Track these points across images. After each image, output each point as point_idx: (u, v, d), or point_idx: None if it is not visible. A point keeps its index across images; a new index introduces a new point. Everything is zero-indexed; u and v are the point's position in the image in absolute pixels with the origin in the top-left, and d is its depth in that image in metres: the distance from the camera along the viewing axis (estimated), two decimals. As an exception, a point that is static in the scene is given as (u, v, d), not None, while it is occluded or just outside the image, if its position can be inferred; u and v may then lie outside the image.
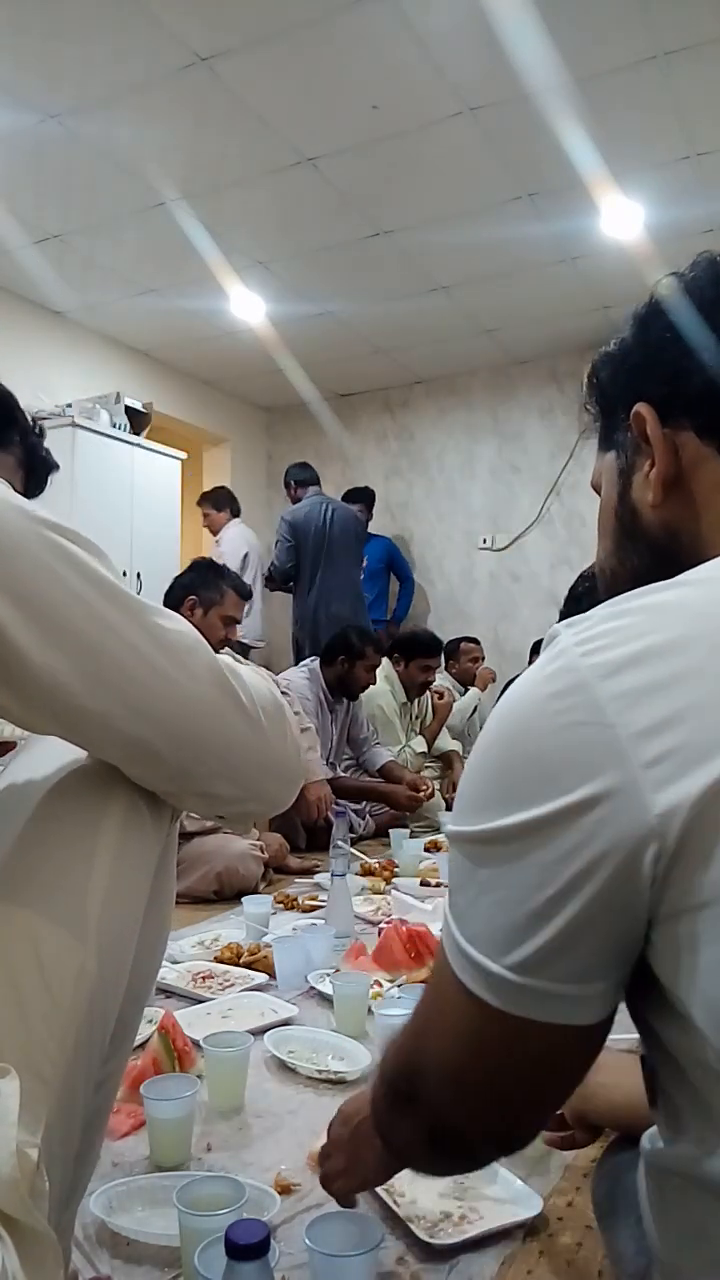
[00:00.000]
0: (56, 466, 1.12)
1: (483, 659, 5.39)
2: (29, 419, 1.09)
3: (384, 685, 4.29)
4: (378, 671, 4.03)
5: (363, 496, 5.86)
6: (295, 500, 5.30)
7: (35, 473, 1.10)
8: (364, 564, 5.48)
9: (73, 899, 0.76)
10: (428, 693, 4.57)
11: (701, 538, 0.65)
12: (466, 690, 5.22)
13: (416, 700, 4.54)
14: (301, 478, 5.36)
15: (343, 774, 3.90)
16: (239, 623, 3.23)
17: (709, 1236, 0.55)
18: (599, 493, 0.75)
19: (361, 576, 5.33)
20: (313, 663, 3.94)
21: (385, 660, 4.33)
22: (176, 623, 0.80)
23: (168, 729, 0.77)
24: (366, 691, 4.01)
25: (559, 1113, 1.02)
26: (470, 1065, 0.60)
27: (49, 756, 0.84)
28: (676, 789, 0.48)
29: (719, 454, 0.65)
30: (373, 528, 6.05)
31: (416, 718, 4.60)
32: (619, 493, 0.71)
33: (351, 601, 5.12)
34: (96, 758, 0.82)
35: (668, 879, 0.49)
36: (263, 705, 0.85)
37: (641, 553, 0.69)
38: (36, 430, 1.10)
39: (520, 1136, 0.66)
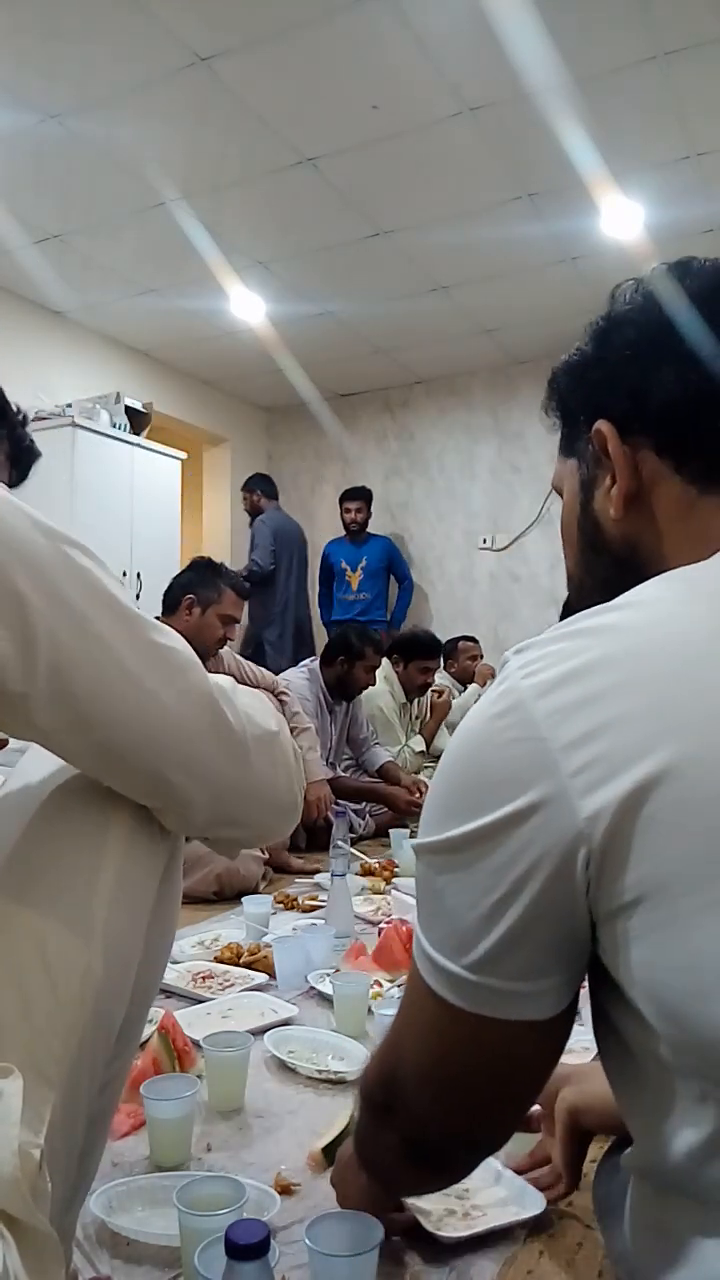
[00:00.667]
0: (39, 454, 1.09)
1: (481, 656, 5.39)
2: (14, 407, 1.06)
3: (383, 686, 4.29)
4: (377, 672, 4.03)
5: (360, 495, 5.95)
6: (255, 509, 5.93)
7: (20, 463, 1.07)
8: (364, 564, 5.86)
9: (79, 899, 0.76)
10: (428, 692, 4.58)
11: (660, 552, 0.67)
12: (466, 689, 5.22)
13: (416, 700, 4.54)
14: (268, 490, 6.00)
15: (343, 774, 3.90)
16: (238, 622, 3.22)
17: (669, 1232, 0.57)
18: (560, 495, 0.77)
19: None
20: (312, 663, 3.94)
21: (385, 661, 4.33)
22: (170, 639, 0.78)
23: (135, 742, 0.75)
24: (366, 692, 4.01)
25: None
26: (440, 1065, 0.64)
27: (56, 760, 0.84)
28: (601, 794, 0.51)
29: (676, 471, 0.66)
30: (372, 527, 6.06)
31: (416, 718, 4.60)
32: (581, 504, 0.73)
33: (308, 606, 6.02)
34: None
35: (599, 880, 0.52)
36: (253, 732, 0.83)
37: (606, 564, 0.71)
38: (21, 418, 1.07)
39: (492, 1137, 0.69)
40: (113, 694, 0.73)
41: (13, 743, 1.03)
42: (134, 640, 0.75)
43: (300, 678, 3.82)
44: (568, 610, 0.74)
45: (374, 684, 4.00)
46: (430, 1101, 0.66)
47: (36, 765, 0.85)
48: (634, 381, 0.67)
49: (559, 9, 2.79)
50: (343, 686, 3.87)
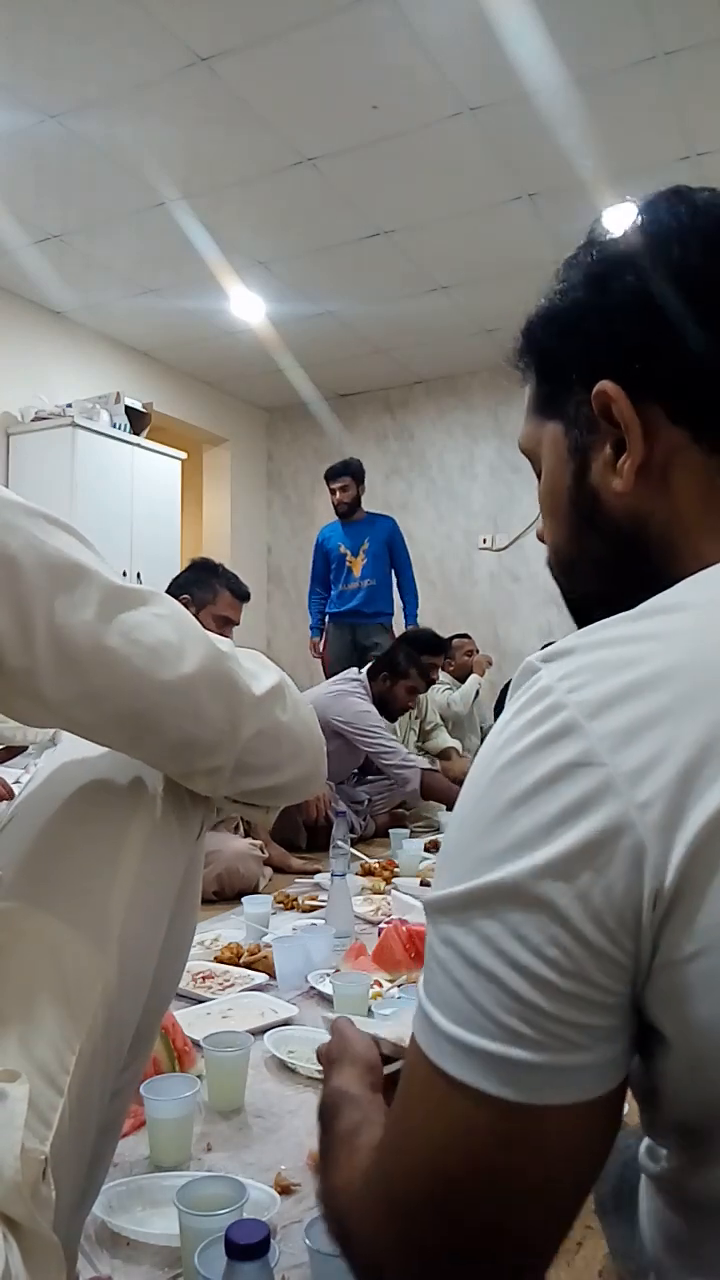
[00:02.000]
0: None
1: (477, 650, 5.39)
2: None
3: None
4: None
5: (344, 471, 5.12)
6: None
7: None
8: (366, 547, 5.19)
9: (96, 905, 0.75)
10: (432, 689, 4.58)
11: (673, 534, 0.59)
12: (464, 683, 5.22)
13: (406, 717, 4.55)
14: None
15: (377, 797, 3.87)
16: (235, 624, 3.20)
17: (692, 1245, 0.54)
18: (529, 458, 0.68)
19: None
20: (360, 675, 3.85)
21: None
22: (165, 605, 0.78)
23: (149, 706, 0.75)
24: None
25: None
26: (473, 1178, 0.48)
27: (76, 763, 0.84)
28: (672, 828, 0.44)
29: (694, 439, 0.57)
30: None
31: (416, 718, 4.61)
32: (574, 474, 0.63)
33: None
34: (124, 769, 0.81)
35: (666, 925, 0.45)
36: (259, 682, 0.84)
37: (605, 540, 0.62)
38: None
39: (537, 1256, 0.52)
40: (116, 659, 0.72)
41: (30, 744, 1.03)
42: (129, 609, 0.75)
43: (349, 680, 3.75)
44: (571, 600, 0.67)
45: (412, 709, 3.97)
46: (448, 1227, 0.50)
47: (55, 769, 0.85)
48: (643, 337, 0.58)
49: (559, 9, 2.80)
50: (383, 704, 3.76)
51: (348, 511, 5.13)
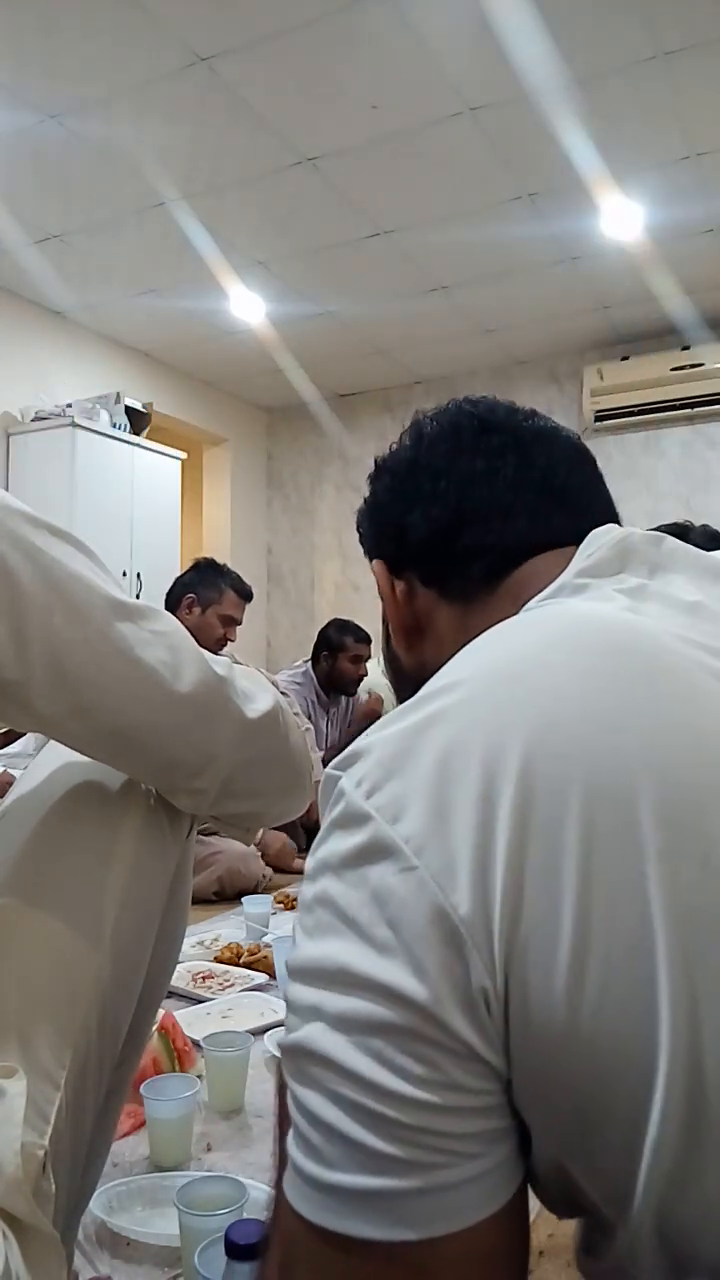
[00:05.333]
0: None
1: None
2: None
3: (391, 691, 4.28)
4: (383, 679, 3.99)
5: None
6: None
7: None
8: None
9: (89, 903, 0.76)
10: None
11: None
12: None
13: None
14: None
15: None
16: (239, 623, 3.21)
17: None
18: None
19: None
20: (304, 664, 3.97)
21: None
22: (164, 622, 0.78)
23: (138, 723, 0.75)
24: (373, 694, 4.01)
25: None
26: None
27: (68, 763, 0.84)
28: (487, 924, 0.42)
29: (442, 595, 0.70)
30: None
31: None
32: (384, 637, 0.77)
33: None
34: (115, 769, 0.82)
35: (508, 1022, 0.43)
36: (253, 705, 0.84)
37: (413, 691, 0.68)
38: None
39: None
40: (111, 677, 0.73)
41: (24, 747, 1.03)
42: (127, 625, 0.75)
43: (292, 679, 3.84)
44: None
45: (364, 674, 3.98)
46: None
47: (48, 768, 0.85)
48: (395, 521, 0.72)
49: (559, 9, 2.79)
50: (333, 682, 3.89)
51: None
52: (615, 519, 0.72)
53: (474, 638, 0.60)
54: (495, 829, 0.42)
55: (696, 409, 5.22)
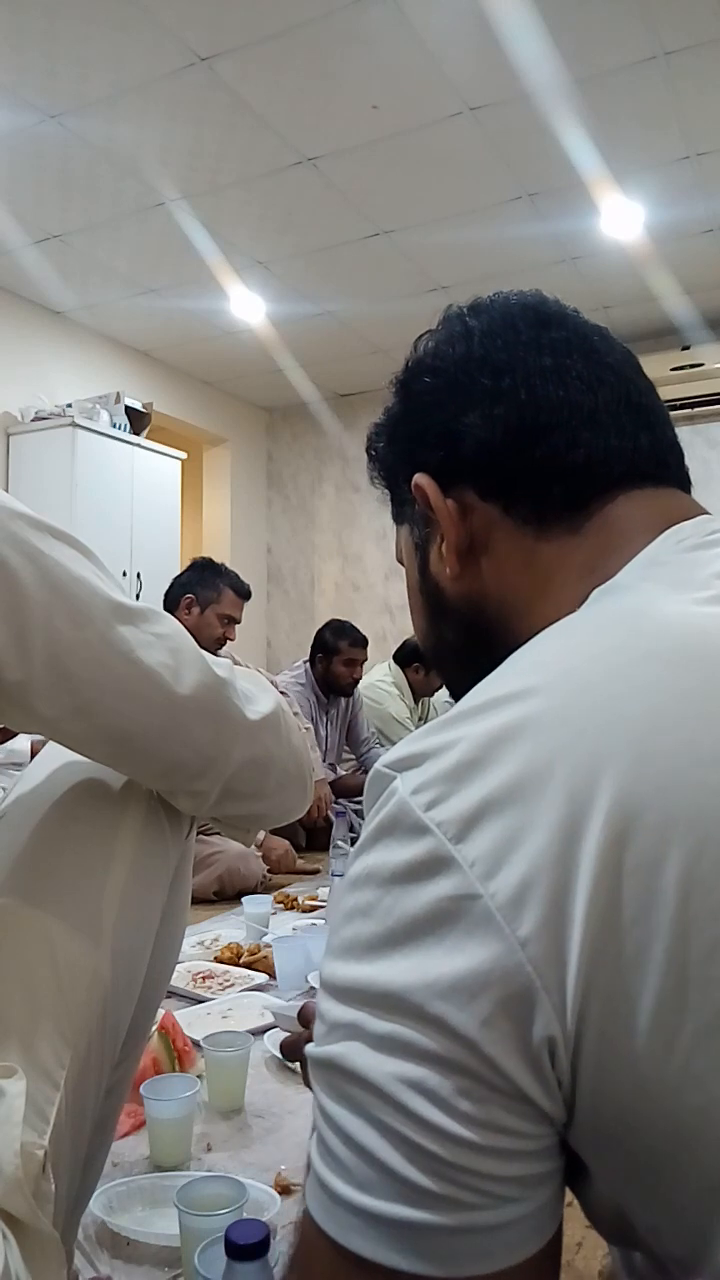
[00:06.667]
0: None
1: None
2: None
3: (393, 691, 4.30)
4: (384, 680, 4.00)
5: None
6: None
7: None
8: None
9: (89, 902, 0.76)
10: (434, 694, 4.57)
11: (506, 607, 0.60)
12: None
13: (421, 702, 4.56)
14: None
15: (345, 773, 3.92)
16: (238, 622, 3.22)
17: None
18: (404, 567, 0.71)
19: None
20: (304, 664, 3.99)
21: (398, 669, 4.34)
22: (165, 625, 0.78)
23: (140, 725, 0.75)
24: (375, 699, 4.00)
25: None
26: None
27: (68, 762, 0.84)
28: (561, 966, 0.39)
29: (507, 514, 0.59)
30: (369, 528, 6.04)
31: (420, 719, 4.62)
32: (419, 568, 0.66)
33: None
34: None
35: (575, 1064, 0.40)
36: (254, 708, 0.84)
37: (455, 628, 0.64)
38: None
39: None
40: (112, 679, 0.73)
41: (21, 747, 1.03)
42: (128, 627, 0.75)
43: (294, 680, 3.84)
44: (452, 693, 0.64)
45: (359, 677, 3.98)
46: None
47: (47, 768, 0.85)
48: (443, 426, 0.61)
49: (559, 9, 2.79)
50: (328, 684, 3.90)
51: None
52: (681, 455, 0.63)
53: (546, 576, 0.56)
54: (578, 866, 0.38)
55: (696, 409, 5.21)
